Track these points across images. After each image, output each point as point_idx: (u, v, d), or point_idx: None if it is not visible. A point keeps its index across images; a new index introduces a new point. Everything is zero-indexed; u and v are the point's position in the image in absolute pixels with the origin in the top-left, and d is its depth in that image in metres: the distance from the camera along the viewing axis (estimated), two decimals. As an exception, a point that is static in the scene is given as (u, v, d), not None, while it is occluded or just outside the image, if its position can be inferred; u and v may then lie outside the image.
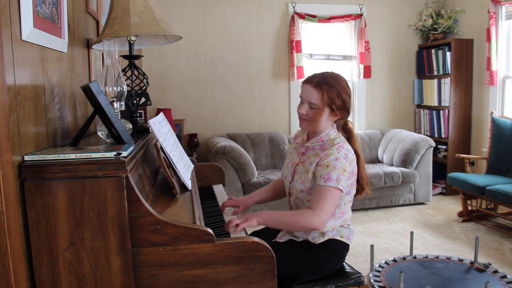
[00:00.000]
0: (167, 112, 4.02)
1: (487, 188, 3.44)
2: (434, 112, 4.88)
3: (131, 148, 1.29)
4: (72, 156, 1.16)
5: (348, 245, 1.73)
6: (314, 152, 1.71)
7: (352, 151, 1.67)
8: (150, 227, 1.17)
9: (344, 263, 1.78)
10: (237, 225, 1.56)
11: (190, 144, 4.48)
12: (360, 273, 1.73)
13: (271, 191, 2.01)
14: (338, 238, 1.69)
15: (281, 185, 1.96)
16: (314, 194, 1.62)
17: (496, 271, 2.64)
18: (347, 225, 1.74)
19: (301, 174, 1.71)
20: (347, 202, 1.70)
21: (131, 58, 1.91)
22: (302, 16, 4.69)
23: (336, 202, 1.60)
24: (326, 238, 1.67)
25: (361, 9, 4.86)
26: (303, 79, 1.76)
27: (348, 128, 1.76)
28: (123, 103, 1.62)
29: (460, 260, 2.84)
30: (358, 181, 1.73)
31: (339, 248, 1.70)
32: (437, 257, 2.91)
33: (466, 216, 3.86)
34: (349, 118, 1.78)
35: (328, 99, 1.64)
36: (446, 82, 4.68)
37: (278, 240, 1.73)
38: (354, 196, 1.76)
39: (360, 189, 1.75)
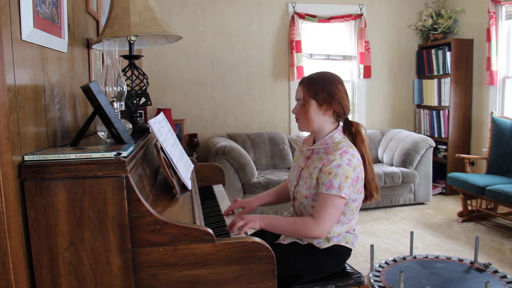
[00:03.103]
0: (167, 112, 4.02)
1: (487, 188, 3.44)
2: (434, 112, 4.88)
3: (131, 148, 1.29)
4: (72, 156, 1.16)
5: (351, 249, 1.72)
6: (318, 156, 1.69)
7: (358, 156, 1.63)
8: (150, 227, 1.17)
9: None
10: (241, 227, 1.55)
11: (190, 144, 4.48)
12: (360, 273, 1.73)
13: (276, 195, 1.99)
14: (343, 244, 1.67)
15: (286, 189, 1.94)
16: (317, 201, 1.60)
17: (496, 271, 2.64)
18: (353, 230, 1.72)
19: (306, 179, 1.68)
20: (354, 208, 1.67)
21: (131, 58, 1.91)
22: (302, 16, 4.69)
23: (339, 211, 1.58)
24: (331, 243, 1.65)
25: (361, 9, 4.86)
26: None
27: (353, 130, 1.71)
28: (123, 103, 1.62)
29: (460, 260, 2.84)
30: (365, 186, 1.69)
31: (342, 253, 1.69)
32: (437, 257, 2.91)
33: (466, 216, 3.86)
34: (349, 118, 1.76)
35: (311, 92, 1.65)
36: (446, 82, 4.68)
37: (281, 242, 1.72)
38: (363, 202, 1.72)
39: (368, 195, 1.72)
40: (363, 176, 1.66)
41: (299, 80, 1.73)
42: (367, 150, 1.71)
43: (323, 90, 1.65)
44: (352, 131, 1.72)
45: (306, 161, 1.74)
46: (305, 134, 1.90)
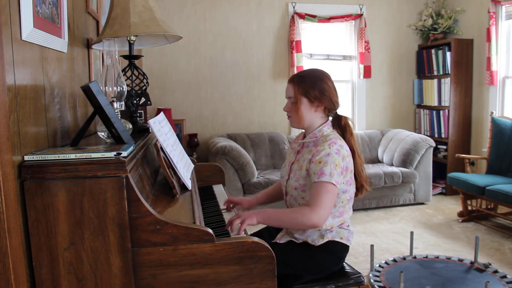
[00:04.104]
0: (167, 112, 4.02)
1: (487, 188, 3.44)
2: (434, 112, 4.88)
3: (131, 148, 1.29)
4: (72, 156, 1.16)
5: (348, 246, 1.73)
6: (308, 149, 1.72)
7: (346, 147, 1.67)
8: (150, 227, 1.17)
9: (344, 263, 1.78)
10: (239, 226, 1.56)
11: (190, 144, 4.48)
12: (360, 273, 1.73)
13: (273, 193, 2.01)
14: (337, 239, 1.68)
15: (280, 187, 1.96)
16: (310, 191, 1.62)
17: (496, 271, 2.64)
18: (347, 226, 1.73)
19: (295, 171, 1.71)
20: (344, 200, 1.68)
21: (131, 58, 1.91)
22: (302, 16, 4.69)
23: (333, 197, 1.60)
24: (325, 240, 1.66)
25: (361, 9, 4.86)
26: None
27: (342, 124, 1.75)
28: (123, 103, 1.62)
29: (460, 260, 2.84)
30: (356, 178, 1.72)
31: (339, 249, 1.70)
32: (437, 257, 2.91)
33: (466, 216, 3.86)
34: (349, 118, 1.78)
35: (301, 89, 1.68)
36: (446, 82, 4.68)
37: (277, 241, 1.72)
38: (355, 196, 1.75)
39: (359, 186, 1.74)
40: (352, 168, 1.69)
41: (289, 78, 1.77)
42: (356, 144, 1.75)
43: (313, 87, 1.68)
44: (341, 124, 1.76)
45: (296, 155, 1.77)
46: (299, 131, 1.93)
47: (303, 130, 1.82)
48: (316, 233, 1.67)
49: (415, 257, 2.92)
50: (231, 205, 1.93)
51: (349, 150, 1.67)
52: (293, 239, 1.71)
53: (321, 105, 1.69)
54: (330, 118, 1.77)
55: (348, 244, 1.72)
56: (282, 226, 1.71)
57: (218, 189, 2.24)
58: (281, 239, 1.73)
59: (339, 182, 1.60)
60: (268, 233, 1.84)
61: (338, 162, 1.60)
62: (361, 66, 4.86)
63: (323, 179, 1.57)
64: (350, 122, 1.77)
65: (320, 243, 1.66)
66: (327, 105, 1.70)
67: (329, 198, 1.57)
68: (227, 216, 1.80)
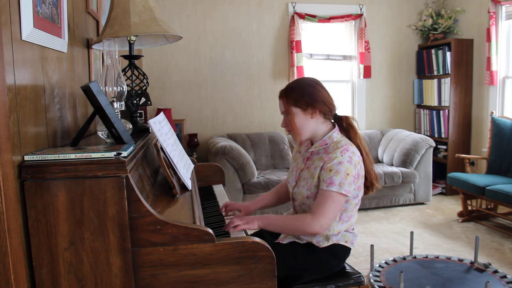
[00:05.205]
0: (167, 112, 4.02)
1: (487, 188, 3.44)
2: (434, 112, 4.88)
3: (131, 148, 1.29)
4: (72, 156, 1.16)
5: (350, 248, 1.73)
6: (318, 156, 1.69)
7: (358, 153, 1.64)
8: (150, 227, 1.17)
9: (344, 264, 1.78)
10: (236, 226, 1.56)
11: (190, 144, 4.48)
12: (360, 273, 1.73)
13: (275, 197, 1.99)
14: (342, 243, 1.68)
15: (285, 189, 1.95)
16: (316, 198, 1.60)
17: (496, 271, 2.64)
18: (352, 229, 1.73)
19: (307, 179, 1.68)
20: (353, 205, 1.67)
21: (131, 58, 1.91)
22: (302, 16, 4.69)
23: (338, 207, 1.58)
24: (330, 242, 1.65)
25: (361, 9, 4.86)
26: None
27: (345, 125, 1.73)
28: (123, 103, 1.62)
29: (460, 260, 2.84)
30: (366, 177, 1.70)
31: (341, 252, 1.70)
32: (437, 257, 2.91)
33: (466, 216, 3.86)
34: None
35: (291, 100, 1.66)
36: (446, 82, 4.68)
37: (280, 242, 1.72)
38: (366, 194, 1.73)
39: (369, 185, 1.72)
40: (363, 173, 1.67)
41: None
42: (362, 142, 1.72)
43: (302, 95, 1.65)
44: (343, 126, 1.73)
45: (306, 162, 1.74)
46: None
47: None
48: (322, 235, 1.66)
49: (415, 257, 2.92)
50: (228, 210, 1.89)
51: (360, 156, 1.65)
52: (296, 240, 1.70)
53: (315, 111, 1.65)
54: (333, 122, 1.74)
55: (351, 247, 1.72)
56: (283, 232, 1.71)
57: (218, 189, 2.24)
58: (284, 239, 1.72)
59: (349, 191, 1.58)
60: (269, 233, 1.84)
61: (350, 170, 1.57)
62: (361, 66, 4.86)
63: (331, 188, 1.55)
64: (352, 122, 1.74)
65: (324, 245, 1.65)
66: (321, 109, 1.66)
67: (333, 208, 1.56)
68: (228, 217, 1.80)
